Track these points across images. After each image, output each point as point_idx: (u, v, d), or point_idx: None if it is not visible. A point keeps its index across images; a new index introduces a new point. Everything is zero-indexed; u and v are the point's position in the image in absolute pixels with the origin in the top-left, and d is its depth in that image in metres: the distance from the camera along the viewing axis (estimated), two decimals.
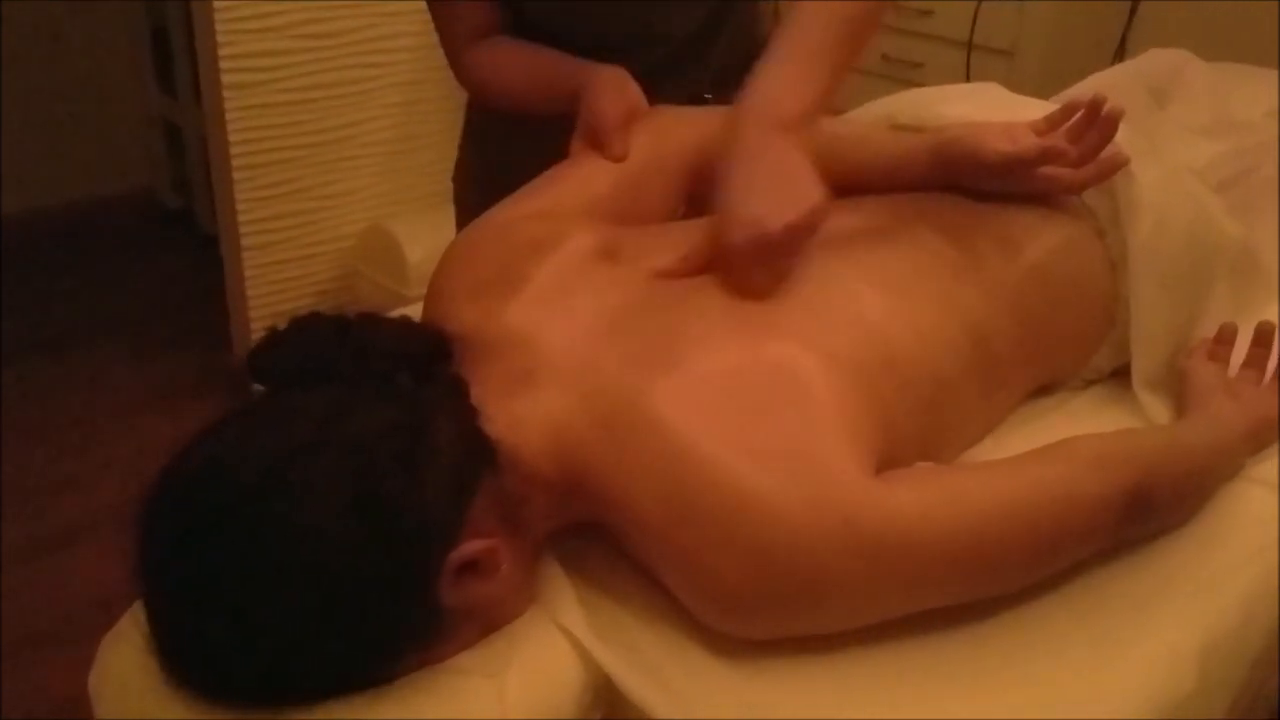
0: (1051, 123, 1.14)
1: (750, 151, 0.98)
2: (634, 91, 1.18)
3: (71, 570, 2.15)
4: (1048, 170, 1.13)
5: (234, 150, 2.49)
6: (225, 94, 2.43)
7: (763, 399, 0.88)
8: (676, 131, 1.18)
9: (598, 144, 1.14)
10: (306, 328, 0.87)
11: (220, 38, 2.38)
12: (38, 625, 2.03)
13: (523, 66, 1.32)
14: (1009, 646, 0.89)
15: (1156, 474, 0.96)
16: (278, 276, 2.69)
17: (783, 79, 1.01)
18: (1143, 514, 0.95)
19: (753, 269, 0.97)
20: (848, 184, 1.19)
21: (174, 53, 3.27)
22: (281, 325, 0.88)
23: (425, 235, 2.59)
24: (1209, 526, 1.02)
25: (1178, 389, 1.16)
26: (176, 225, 3.58)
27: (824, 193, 0.96)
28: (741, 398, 0.87)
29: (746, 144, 0.98)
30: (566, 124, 1.19)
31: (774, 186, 0.96)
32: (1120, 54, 2.72)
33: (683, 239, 1.06)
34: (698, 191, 1.21)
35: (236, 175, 2.51)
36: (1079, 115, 1.11)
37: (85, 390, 2.79)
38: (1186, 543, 1.00)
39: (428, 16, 1.37)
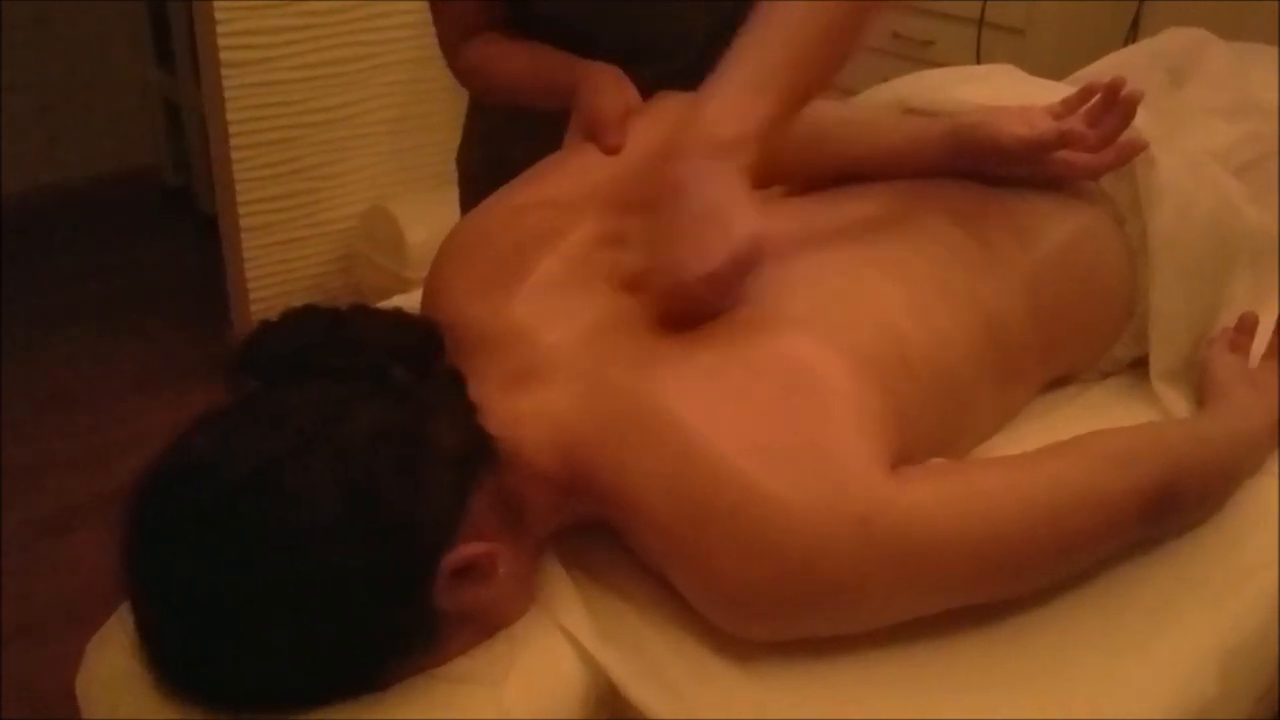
0: (1069, 106, 1.12)
1: (680, 184, 0.89)
2: (629, 88, 1.16)
3: (72, 554, 2.15)
4: (1065, 155, 1.11)
5: (233, 129, 2.46)
6: (224, 72, 2.40)
7: (774, 394, 0.85)
8: (681, 117, 1.15)
9: (593, 138, 1.12)
10: (298, 320, 0.84)
11: (219, 14, 2.35)
12: (38, 610, 2.03)
13: (515, 64, 1.30)
14: (1026, 649, 0.87)
15: (1180, 469, 0.93)
16: (277, 257, 2.66)
17: (727, 99, 0.91)
18: (1167, 511, 0.93)
19: (686, 310, 0.90)
20: (859, 170, 1.17)
21: (173, 29, 3.24)
22: (273, 317, 0.85)
23: (426, 217, 2.57)
24: (1230, 523, 0.99)
25: (1197, 380, 1.13)
26: (177, 204, 3.56)
27: (756, 229, 0.87)
28: (752, 392, 0.85)
29: (677, 174, 0.90)
30: (568, 117, 1.17)
31: (698, 227, 0.87)
32: (1134, 31, 2.69)
33: None
34: None
35: (235, 155, 2.49)
36: (1097, 98, 1.09)
37: (85, 370, 2.79)
38: (1208, 541, 0.97)
39: None
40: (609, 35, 1.25)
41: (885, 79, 1.36)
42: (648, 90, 1.16)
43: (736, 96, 0.91)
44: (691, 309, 0.89)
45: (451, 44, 1.34)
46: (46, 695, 1.83)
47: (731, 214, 0.86)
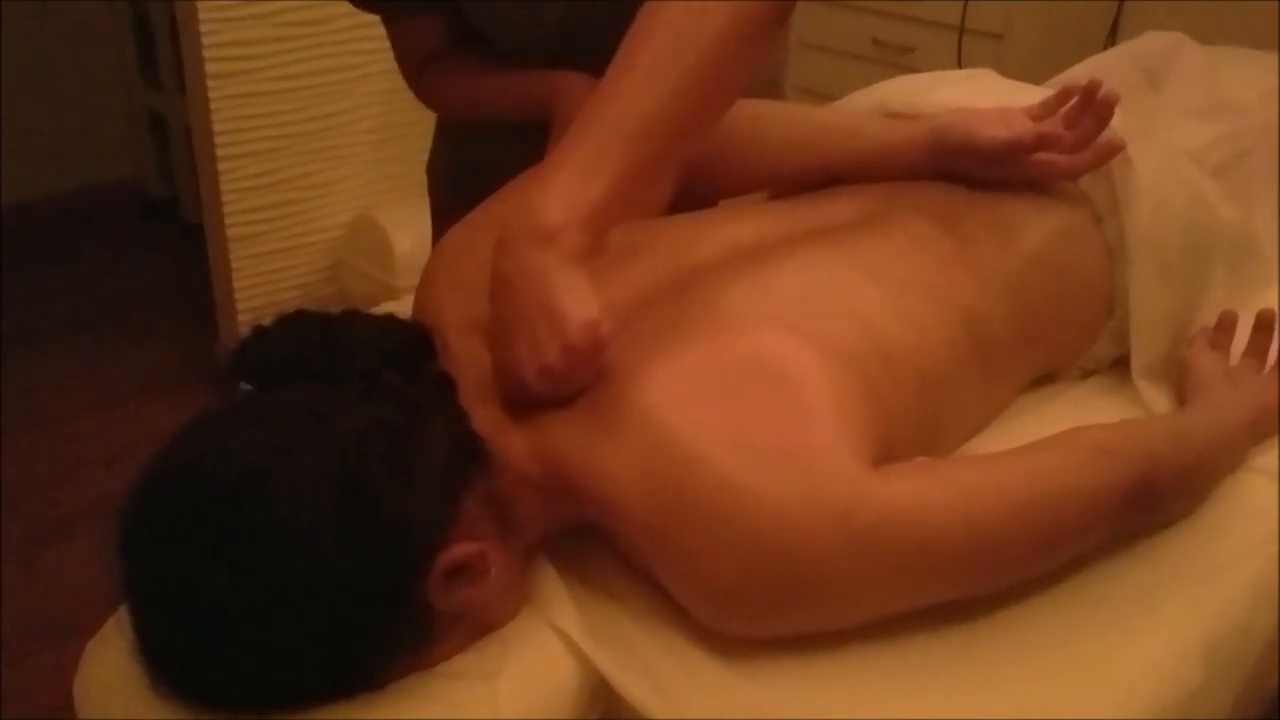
0: (1047, 108, 1.13)
1: (506, 278, 0.84)
2: None
3: (66, 564, 2.15)
4: (1043, 156, 1.12)
5: (219, 140, 2.46)
6: (209, 83, 2.41)
7: (752, 392, 0.86)
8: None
9: None
10: (291, 325, 0.85)
11: (204, 26, 2.35)
12: (38, 618, 2.03)
13: (480, 85, 1.29)
14: (1013, 641, 0.88)
15: (1159, 464, 0.95)
16: (264, 268, 2.66)
17: (554, 184, 0.84)
18: (1146, 505, 0.94)
19: (533, 400, 0.87)
20: (841, 173, 1.18)
21: (157, 42, 3.24)
22: (266, 322, 0.86)
23: (412, 225, 2.57)
24: (1212, 517, 1.01)
25: (1178, 378, 1.15)
26: (162, 215, 3.56)
27: (588, 316, 0.82)
28: (732, 390, 0.86)
29: (503, 268, 0.85)
30: (535, 124, 1.17)
31: (528, 323, 0.83)
32: (1112, 36, 2.71)
33: (669, 234, 1.04)
34: (689, 184, 1.20)
35: (221, 166, 2.49)
36: (1074, 100, 1.10)
37: (73, 382, 2.79)
38: (1190, 534, 0.99)
39: None
40: (576, 53, 1.25)
41: (867, 85, 1.37)
42: None
43: (565, 181, 0.84)
44: (536, 398, 0.87)
45: (411, 69, 1.34)
46: (44, 704, 1.83)
47: (562, 304, 0.81)
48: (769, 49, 0.93)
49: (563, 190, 0.84)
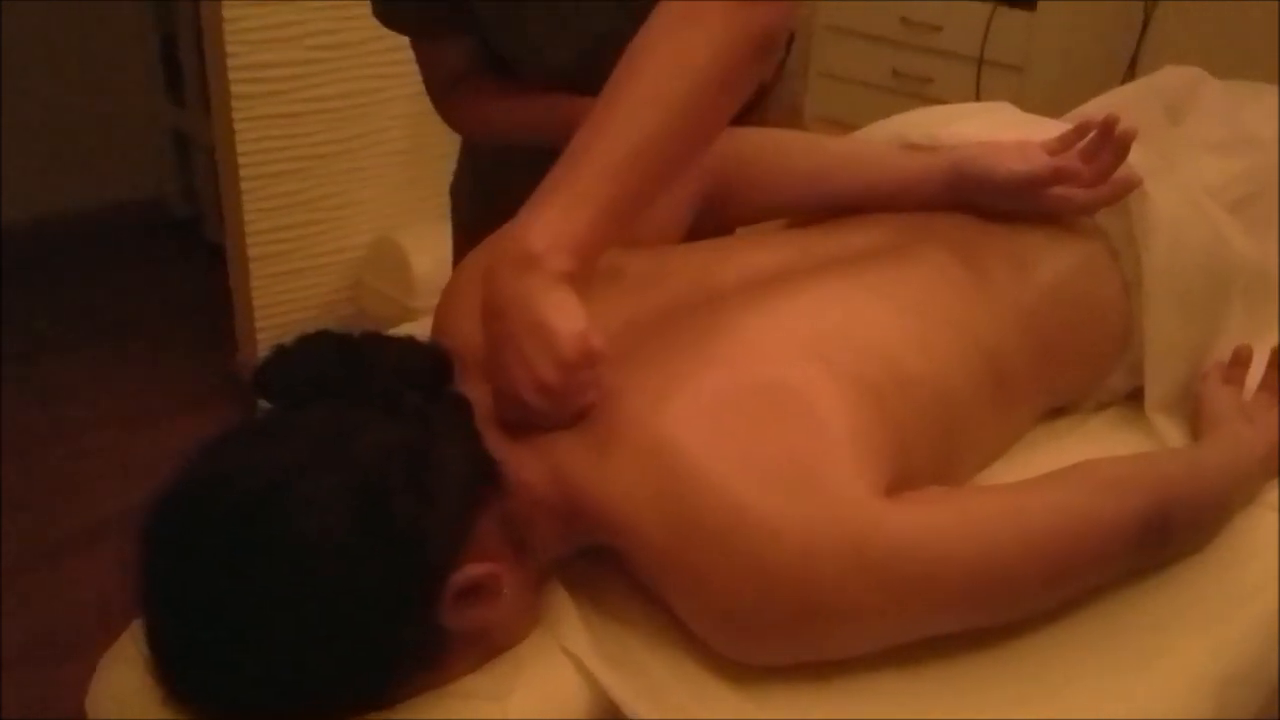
0: (1065, 142, 1.14)
1: (496, 305, 0.85)
2: None
3: (74, 579, 2.15)
4: (1060, 190, 1.12)
5: (242, 160, 2.48)
6: (234, 104, 2.43)
7: (767, 417, 0.86)
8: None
9: None
10: (312, 345, 0.86)
11: (230, 48, 2.38)
12: (40, 635, 2.02)
13: (503, 107, 1.31)
14: (1023, 673, 0.88)
15: (1173, 498, 0.95)
16: (285, 287, 2.68)
17: (541, 212, 0.86)
18: (1159, 538, 0.94)
19: (534, 421, 0.88)
20: (859, 203, 1.18)
21: (183, 61, 3.27)
22: (288, 341, 0.87)
23: (433, 248, 2.58)
24: (1224, 552, 1.00)
25: (1192, 412, 1.15)
26: (184, 234, 3.58)
27: (578, 330, 0.82)
28: (746, 415, 0.86)
29: (492, 296, 0.86)
30: (559, 148, 1.18)
31: (521, 344, 0.84)
32: (1132, 69, 2.72)
33: (688, 260, 1.05)
34: (707, 211, 1.20)
35: (245, 185, 2.51)
36: (1092, 135, 1.11)
37: (92, 398, 2.80)
38: (1202, 569, 0.98)
39: None
40: (599, 79, 1.25)
41: (886, 115, 1.38)
42: None
43: (551, 210, 0.86)
44: (539, 420, 0.87)
45: (439, 91, 1.35)
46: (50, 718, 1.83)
47: (552, 322, 0.83)
48: (759, 79, 0.95)
49: (549, 219, 0.86)
